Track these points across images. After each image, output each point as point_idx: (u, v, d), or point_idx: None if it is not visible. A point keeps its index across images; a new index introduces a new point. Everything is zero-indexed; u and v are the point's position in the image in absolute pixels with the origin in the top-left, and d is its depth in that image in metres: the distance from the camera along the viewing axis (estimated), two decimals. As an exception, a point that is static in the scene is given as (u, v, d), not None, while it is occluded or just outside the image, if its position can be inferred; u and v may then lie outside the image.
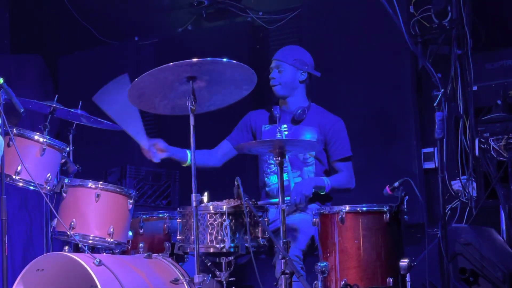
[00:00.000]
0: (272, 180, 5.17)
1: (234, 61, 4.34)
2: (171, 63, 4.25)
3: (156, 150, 5.01)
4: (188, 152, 5.07)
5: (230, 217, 4.51)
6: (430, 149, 6.24)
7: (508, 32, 6.11)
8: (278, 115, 5.12)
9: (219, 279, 4.57)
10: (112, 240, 4.81)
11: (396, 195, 4.52)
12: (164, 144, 5.02)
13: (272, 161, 5.14)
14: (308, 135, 5.13)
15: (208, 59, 4.29)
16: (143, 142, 4.96)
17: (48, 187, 4.83)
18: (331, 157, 5.16)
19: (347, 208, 4.46)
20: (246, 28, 7.19)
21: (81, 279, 4.57)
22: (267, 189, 5.20)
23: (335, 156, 5.15)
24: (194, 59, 4.26)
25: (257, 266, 4.37)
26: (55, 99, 5.32)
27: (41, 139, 4.82)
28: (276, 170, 5.00)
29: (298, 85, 5.24)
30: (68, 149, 5.02)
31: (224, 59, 4.33)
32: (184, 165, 5.11)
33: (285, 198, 4.50)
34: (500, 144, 5.47)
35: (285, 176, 5.02)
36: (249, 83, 4.51)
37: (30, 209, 7.54)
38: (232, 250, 4.49)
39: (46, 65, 8.02)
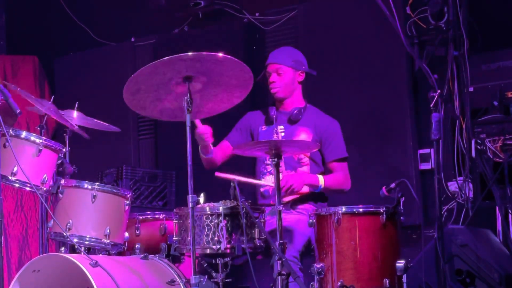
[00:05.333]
0: (267, 180, 5.17)
1: (229, 56, 4.34)
2: (166, 58, 4.25)
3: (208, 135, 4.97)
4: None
5: (227, 218, 4.51)
6: (427, 150, 6.24)
7: (504, 33, 6.11)
8: (274, 116, 5.13)
9: (215, 280, 4.57)
10: (108, 241, 4.81)
11: (392, 196, 4.52)
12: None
13: (268, 162, 5.13)
14: (304, 135, 5.13)
15: (204, 53, 4.28)
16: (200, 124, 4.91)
17: (44, 188, 4.82)
18: (327, 158, 5.16)
19: (344, 209, 4.46)
20: (242, 29, 7.19)
21: (77, 280, 4.57)
22: (261, 189, 5.20)
23: (330, 156, 5.16)
24: (190, 53, 4.26)
25: (253, 267, 4.37)
26: (51, 100, 5.32)
27: (37, 140, 4.81)
28: (272, 170, 5.01)
29: (297, 86, 5.24)
30: (64, 150, 5.01)
31: (220, 54, 4.32)
32: (205, 156, 5.08)
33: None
34: (497, 145, 5.47)
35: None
36: (245, 86, 4.51)
37: (26, 210, 7.53)
38: (228, 251, 4.49)
39: (42, 66, 8.01)
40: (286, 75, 5.19)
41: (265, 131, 5.24)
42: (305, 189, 5.07)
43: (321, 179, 5.01)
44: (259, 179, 5.20)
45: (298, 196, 5.08)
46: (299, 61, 5.23)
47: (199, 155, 5.08)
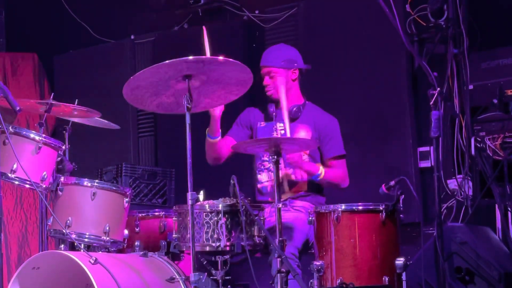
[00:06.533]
0: (265, 177, 5.17)
1: (231, 59, 4.34)
2: (166, 61, 4.25)
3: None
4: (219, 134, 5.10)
5: (226, 215, 4.51)
6: (426, 148, 6.24)
7: (504, 31, 6.11)
8: (274, 113, 5.12)
9: (214, 277, 4.57)
10: (108, 238, 4.81)
11: (392, 194, 4.52)
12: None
13: (266, 159, 5.13)
14: (303, 133, 5.14)
15: (205, 57, 4.29)
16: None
17: (44, 185, 4.82)
18: (325, 155, 5.16)
19: (343, 207, 4.47)
20: (242, 26, 7.18)
21: (77, 278, 4.57)
22: (259, 186, 5.19)
23: (329, 154, 5.15)
24: (191, 57, 4.27)
25: (252, 265, 4.37)
26: (51, 97, 5.32)
27: (37, 137, 4.81)
28: (270, 167, 5.01)
29: (292, 84, 5.23)
30: (64, 147, 5.02)
31: (221, 57, 4.33)
32: (212, 138, 5.09)
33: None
34: (496, 143, 5.47)
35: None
36: (244, 85, 4.52)
37: (25, 207, 7.53)
38: (228, 248, 4.49)
39: (42, 63, 8.01)
40: (278, 76, 5.17)
41: (264, 127, 5.23)
42: (304, 176, 5.09)
43: (321, 169, 5.02)
44: (257, 175, 5.21)
45: (297, 192, 5.10)
46: (290, 60, 5.20)
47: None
